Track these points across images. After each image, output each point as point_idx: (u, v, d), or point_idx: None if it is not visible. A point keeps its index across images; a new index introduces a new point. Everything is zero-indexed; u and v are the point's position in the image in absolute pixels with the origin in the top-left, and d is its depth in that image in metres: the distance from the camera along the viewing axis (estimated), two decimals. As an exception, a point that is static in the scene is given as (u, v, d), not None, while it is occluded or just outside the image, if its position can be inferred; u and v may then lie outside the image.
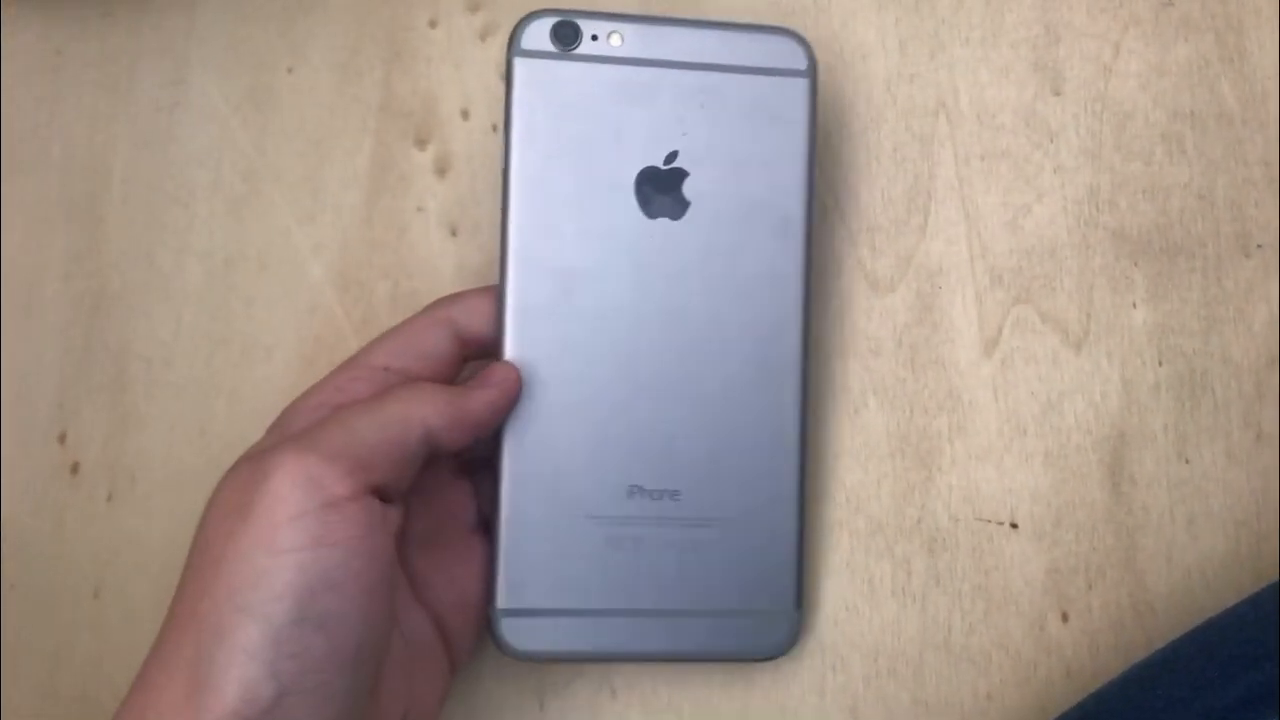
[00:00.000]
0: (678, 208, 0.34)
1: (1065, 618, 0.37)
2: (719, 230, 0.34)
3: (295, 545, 0.26)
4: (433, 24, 0.41)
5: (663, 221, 0.34)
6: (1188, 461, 0.38)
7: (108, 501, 0.38)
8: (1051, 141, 0.40)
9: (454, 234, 0.39)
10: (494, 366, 0.33)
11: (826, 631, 0.37)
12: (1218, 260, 0.39)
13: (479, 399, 0.31)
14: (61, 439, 0.38)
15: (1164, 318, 0.39)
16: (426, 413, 0.30)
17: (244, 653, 0.26)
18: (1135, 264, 0.39)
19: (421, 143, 0.40)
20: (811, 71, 0.34)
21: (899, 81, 0.40)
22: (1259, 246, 0.39)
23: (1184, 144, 0.40)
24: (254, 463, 0.28)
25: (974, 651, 0.37)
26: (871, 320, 0.39)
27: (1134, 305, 0.39)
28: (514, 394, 0.33)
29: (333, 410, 0.30)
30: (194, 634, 0.26)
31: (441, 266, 0.39)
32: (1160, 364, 0.38)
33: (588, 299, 0.33)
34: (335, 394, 0.32)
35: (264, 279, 0.39)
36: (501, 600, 0.33)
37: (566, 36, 0.34)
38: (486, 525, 0.34)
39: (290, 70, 0.41)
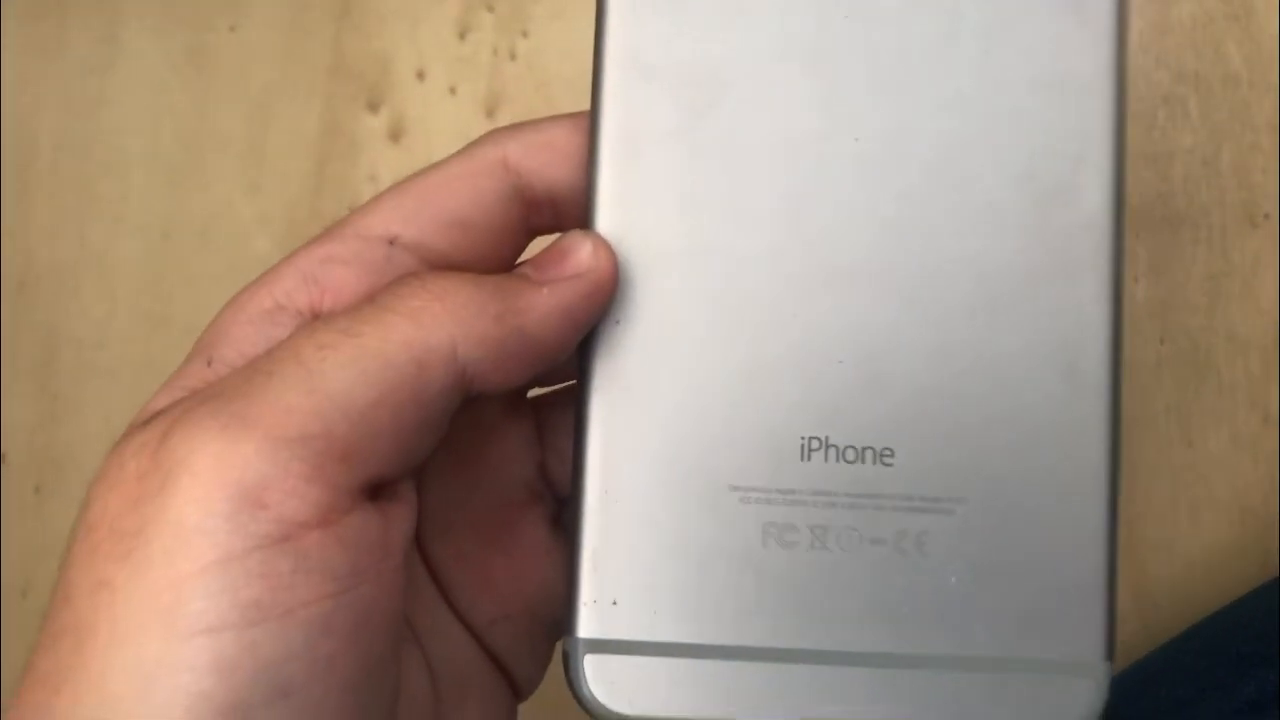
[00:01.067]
0: None
1: (1062, 612, 0.35)
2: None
3: (213, 624, 0.15)
4: (385, -22, 0.38)
5: None
6: (1191, 445, 0.36)
7: (35, 494, 0.35)
8: (1047, 105, 0.37)
9: (409, 205, 0.37)
10: (571, 241, 0.20)
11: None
12: (1223, 231, 0.37)
13: (544, 305, 0.19)
14: (-15, 427, 0.36)
15: (1166, 293, 0.36)
16: (455, 334, 0.17)
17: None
18: (1136, 236, 0.37)
19: (374, 106, 0.37)
20: None
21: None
22: (1266, 216, 0.37)
23: (1187, 107, 0.37)
24: (151, 443, 0.16)
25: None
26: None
27: (1135, 280, 0.37)
28: (606, 291, 0.19)
29: (293, 327, 0.19)
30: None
31: (395, 240, 0.37)
32: (1162, 342, 0.36)
33: (737, 120, 0.20)
34: (299, 289, 0.19)
35: (206, 253, 0.37)
36: (585, 628, 0.19)
37: None
38: (556, 496, 0.22)
39: (233, 28, 0.38)
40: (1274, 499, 0.36)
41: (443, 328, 0.17)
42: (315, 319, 0.19)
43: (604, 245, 0.19)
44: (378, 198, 0.20)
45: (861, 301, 0.20)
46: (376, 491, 0.17)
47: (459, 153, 0.21)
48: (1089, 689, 0.21)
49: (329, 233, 0.20)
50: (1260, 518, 0.36)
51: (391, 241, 0.19)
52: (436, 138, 0.37)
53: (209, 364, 0.19)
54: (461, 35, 0.38)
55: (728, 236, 0.20)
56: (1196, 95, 0.37)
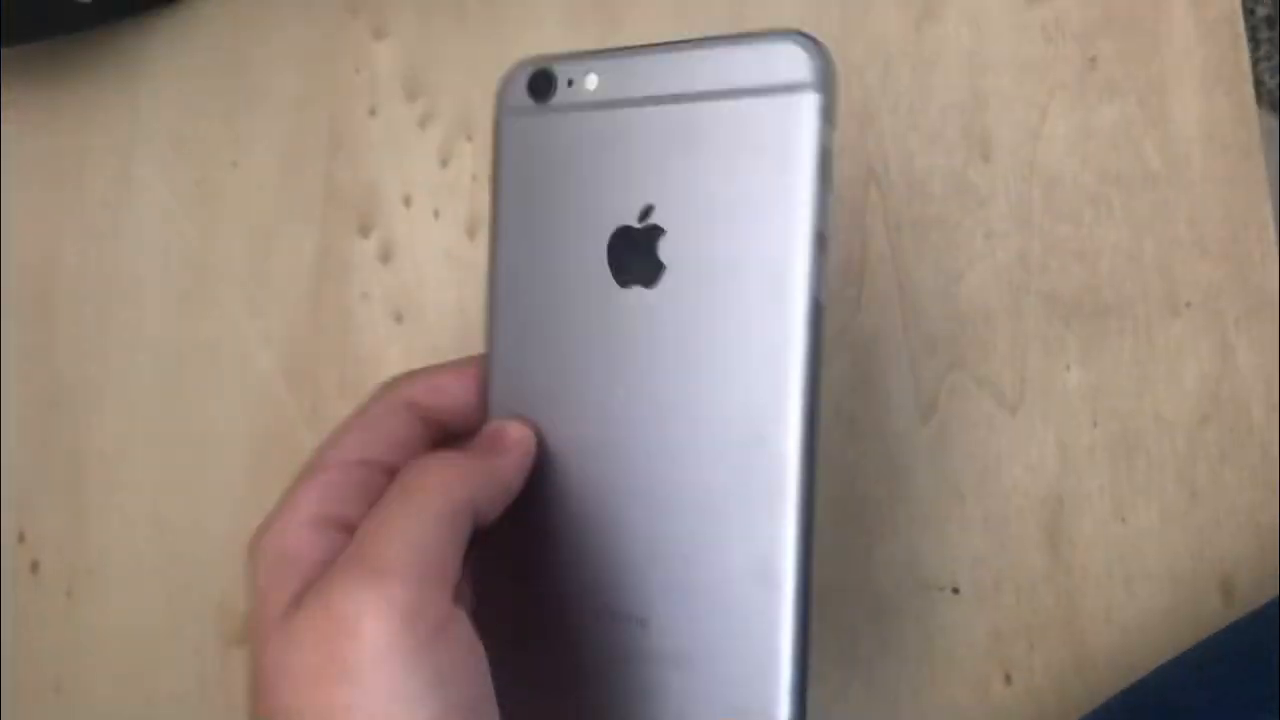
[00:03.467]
0: (651, 273, 0.27)
1: (1009, 679, 0.38)
2: (698, 297, 0.27)
3: (417, 692, 0.22)
4: (372, 113, 0.41)
5: (636, 290, 0.28)
6: (1124, 521, 0.39)
7: (67, 597, 0.39)
8: (982, 207, 0.40)
9: (399, 320, 0.40)
10: (505, 426, 0.28)
11: (774, 703, 0.38)
12: (1148, 320, 0.40)
13: (509, 464, 0.27)
14: (21, 538, 0.39)
15: (1097, 379, 0.39)
16: (472, 491, 0.26)
17: None
18: (1067, 326, 0.40)
19: (365, 230, 0.41)
20: (822, 83, 0.26)
21: (830, 154, 0.41)
22: (1188, 305, 0.40)
23: (1112, 206, 0.40)
24: (320, 612, 0.23)
25: (921, 717, 0.38)
26: (810, 391, 0.39)
27: (1067, 367, 0.39)
28: (532, 456, 0.28)
29: (339, 524, 0.26)
30: None
31: (387, 352, 0.40)
32: (1095, 425, 0.39)
33: (561, 381, 0.28)
34: (325, 504, 0.27)
35: (214, 372, 0.40)
36: None
37: (540, 88, 0.29)
38: None
39: (235, 164, 0.41)
40: (1202, 569, 0.38)
41: (462, 488, 0.26)
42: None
43: (527, 428, 0.29)
44: (337, 435, 0.29)
45: (633, 513, 0.28)
46: (458, 596, 0.25)
47: (377, 396, 0.30)
48: None
49: (315, 469, 0.28)
50: (1190, 587, 0.38)
51: (361, 462, 0.28)
52: (423, 257, 0.41)
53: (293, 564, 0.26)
54: (443, 163, 0.41)
55: (557, 459, 0.29)
56: (1120, 194, 0.40)
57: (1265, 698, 0.28)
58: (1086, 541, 0.39)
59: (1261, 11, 1.01)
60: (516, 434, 0.28)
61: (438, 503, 0.25)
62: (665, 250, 0.27)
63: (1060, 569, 0.38)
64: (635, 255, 0.28)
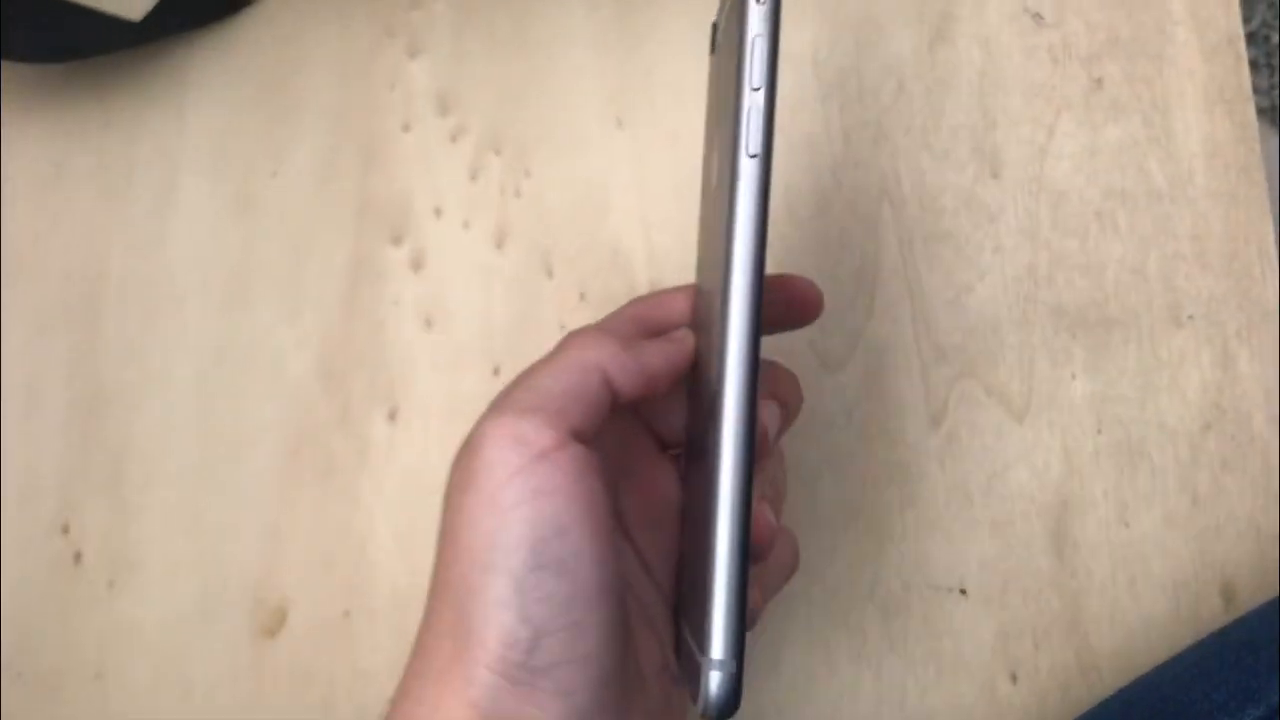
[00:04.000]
0: None
1: (1014, 679, 0.39)
2: None
3: (518, 500, 0.27)
4: (405, 128, 0.43)
5: None
6: (1128, 525, 0.40)
7: (109, 588, 0.40)
8: (991, 223, 0.42)
9: (428, 326, 0.42)
10: (678, 329, 0.33)
11: (786, 698, 0.39)
12: (1151, 331, 0.41)
13: (654, 349, 0.31)
14: (65, 531, 0.41)
15: (1102, 388, 0.41)
16: (602, 357, 0.30)
17: (496, 605, 0.27)
18: (1073, 337, 0.41)
19: (397, 240, 0.42)
20: None
21: (844, 169, 0.42)
22: (1190, 317, 0.41)
23: (1116, 221, 0.42)
24: (467, 443, 0.29)
25: (928, 714, 0.39)
26: (823, 397, 0.41)
27: (1073, 376, 0.41)
28: (690, 353, 0.32)
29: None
30: (450, 599, 0.28)
31: (417, 357, 0.41)
32: (1099, 432, 0.40)
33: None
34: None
35: (251, 373, 0.42)
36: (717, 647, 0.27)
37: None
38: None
39: (274, 174, 0.43)
40: (1204, 573, 0.39)
41: (595, 352, 0.30)
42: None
43: (684, 330, 0.32)
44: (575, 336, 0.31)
45: None
46: (580, 437, 0.29)
47: (615, 313, 0.33)
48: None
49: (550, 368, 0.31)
50: (1192, 590, 0.39)
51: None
52: (452, 267, 0.42)
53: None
54: (473, 176, 0.43)
55: None
56: (1124, 210, 0.42)
57: (1256, 690, 0.30)
58: (1091, 546, 0.40)
59: (1276, 38, 1.02)
60: (676, 333, 0.32)
61: (568, 359, 0.29)
62: None
63: (1065, 572, 0.40)
64: None
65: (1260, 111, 0.99)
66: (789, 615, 0.39)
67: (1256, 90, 1.01)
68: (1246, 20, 1.03)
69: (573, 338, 0.31)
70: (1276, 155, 0.98)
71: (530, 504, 0.27)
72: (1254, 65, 1.00)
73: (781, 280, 0.33)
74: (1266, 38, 1.02)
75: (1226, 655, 0.32)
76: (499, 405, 0.29)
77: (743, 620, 0.28)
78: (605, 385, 0.30)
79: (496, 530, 0.27)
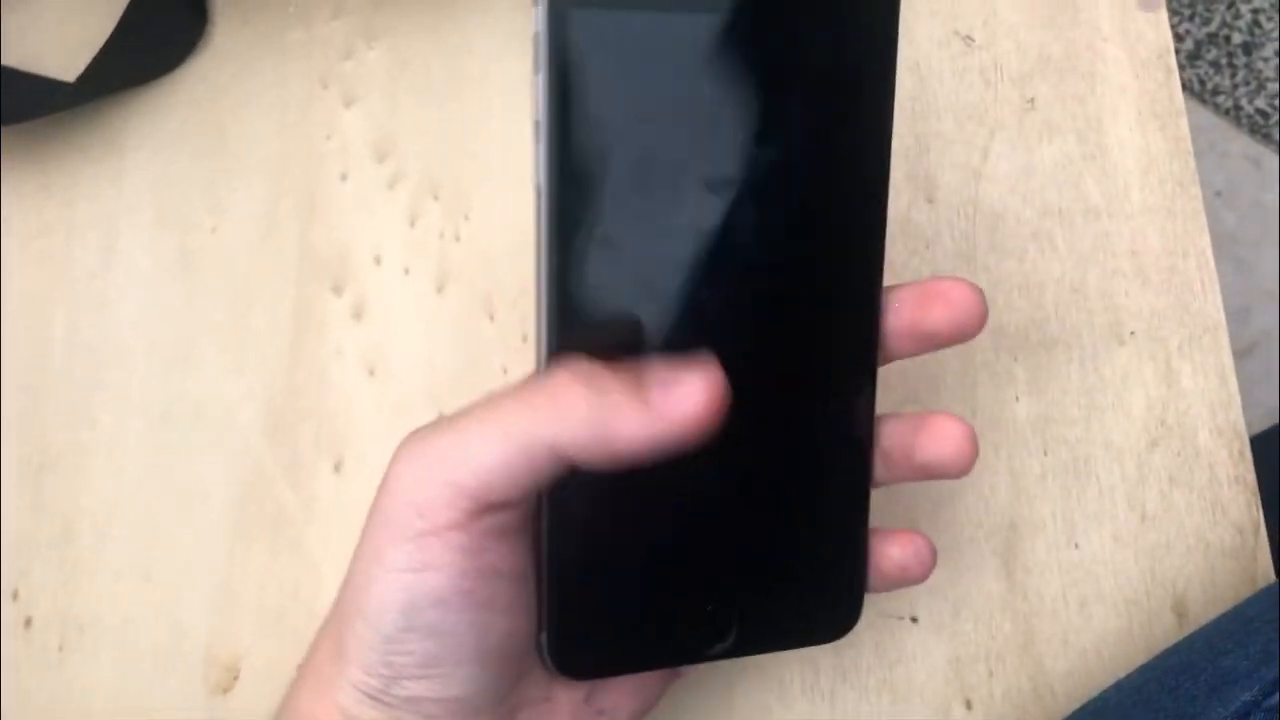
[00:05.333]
0: None
1: (969, 705, 0.39)
2: None
3: (400, 566, 0.26)
4: (343, 177, 0.43)
5: None
6: (1077, 546, 0.40)
7: (59, 652, 0.40)
8: (928, 248, 0.42)
9: (371, 374, 0.42)
10: (687, 382, 0.25)
11: (740, 734, 0.39)
12: (1094, 350, 0.41)
13: (633, 434, 0.25)
14: (15, 596, 0.41)
15: (1046, 408, 0.41)
16: (558, 432, 0.25)
17: (362, 642, 0.27)
18: (1015, 359, 0.41)
19: (338, 289, 0.43)
20: None
21: (781, 201, 0.42)
22: (1132, 334, 0.41)
23: (1054, 240, 0.42)
24: (386, 474, 0.27)
25: (883, 744, 0.39)
26: (768, 430, 0.41)
27: (1016, 398, 0.41)
28: (693, 438, 0.25)
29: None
30: (337, 610, 0.28)
31: (361, 406, 0.42)
32: (1045, 454, 0.40)
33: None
34: None
35: (198, 430, 0.42)
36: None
37: None
38: None
39: (214, 230, 0.43)
40: (1155, 590, 0.39)
41: (547, 425, 0.25)
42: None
43: (712, 396, 0.25)
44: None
45: None
46: (497, 508, 0.26)
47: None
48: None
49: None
50: (1144, 608, 0.39)
51: None
52: (394, 314, 0.42)
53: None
54: (412, 222, 0.43)
55: None
56: (1062, 229, 0.42)
57: (1193, 715, 0.29)
58: (1041, 568, 0.40)
59: (1238, 38, 1.02)
60: (687, 406, 0.25)
61: (515, 426, 0.25)
62: None
63: (1016, 595, 0.39)
64: None
65: (1224, 112, 1.00)
66: (741, 651, 0.39)
67: (1219, 91, 1.02)
68: (1206, 22, 1.03)
69: (534, 390, 0.25)
70: (1240, 155, 0.98)
71: (413, 573, 0.26)
72: (1215, 66, 1.01)
73: None
74: (1227, 38, 1.02)
75: (1166, 680, 0.32)
76: (419, 448, 0.26)
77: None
78: (553, 460, 0.25)
79: (374, 581, 0.26)
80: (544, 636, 0.29)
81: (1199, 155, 1.02)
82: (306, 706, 0.29)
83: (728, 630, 0.30)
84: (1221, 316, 0.41)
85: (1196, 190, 0.42)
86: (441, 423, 0.27)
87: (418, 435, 0.27)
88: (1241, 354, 1.01)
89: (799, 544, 0.31)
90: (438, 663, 0.27)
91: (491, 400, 0.26)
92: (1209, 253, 0.41)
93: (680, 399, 0.25)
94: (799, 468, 0.30)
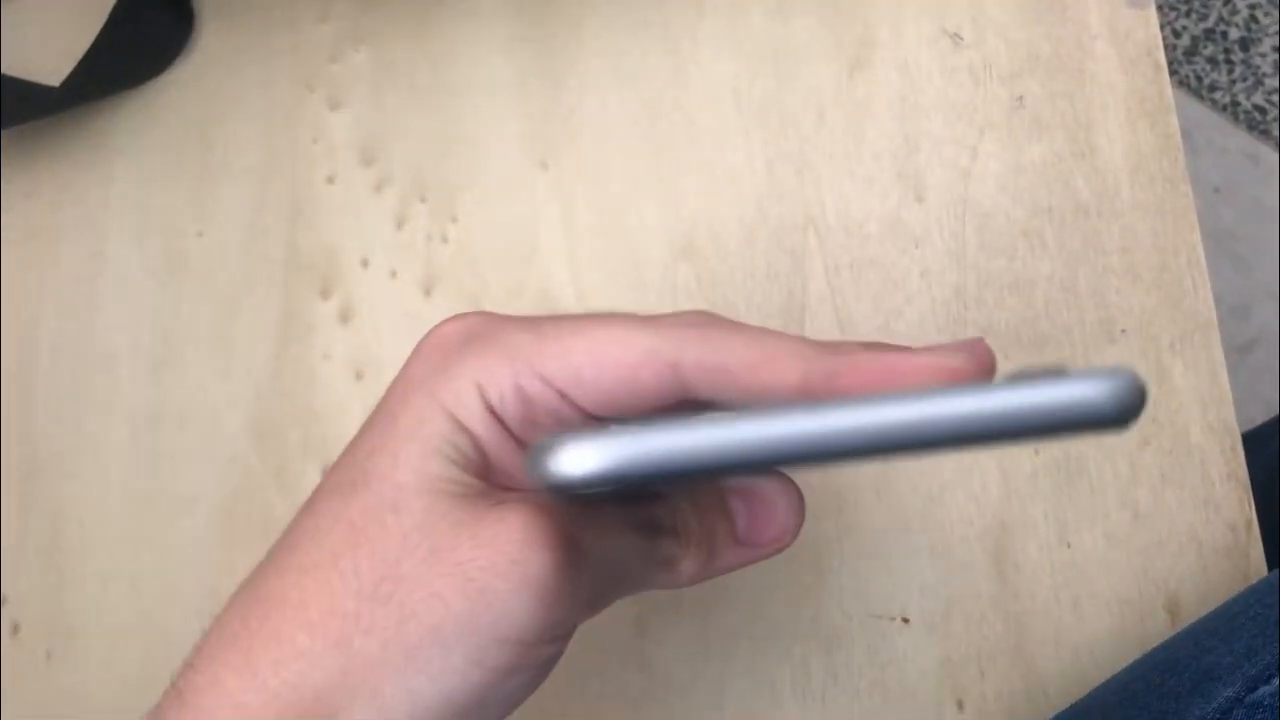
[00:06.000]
0: None
1: (961, 706, 0.38)
2: None
3: (503, 666, 0.22)
4: (330, 180, 0.43)
5: None
6: (1069, 545, 0.39)
7: (47, 659, 0.40)
8: (917, 247, 0.42)
9: (359, 377, 0.42)
10: (783, 512, 0.25)
11: (730, 737, 0.38)
12: (1084, 348, 0.41)
13: (729, 562, 0.25)
14: (2, 602, 0.40)
15: (1036, 407, 0.40)
16: (663, 583, 0.24)
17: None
18: (1006, 357, 0.41)
19: (325, 293, 0.42)
20: None
21: (768, 200, 0.42)
22: (1123, 331, 0.41)
23: (1044, 238, 0.42)
24: (496, 543, 0.22)
25: (875, 745, 0.38)
26: (757, 431, 0.41)
27: (1007, 397, 0.40)
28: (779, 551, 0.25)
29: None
30: (351, 671, 0.22)
31: (349, 410, 0.41)
32: (1036, 452, 0.40)
33: None
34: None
35: (185, 435, 0.42)
36: None
37: None
38: None
39: (200, 234, 0.43)
40: (1147, 589, 0.39)
41: (655, 579, 0.24)
42: None
43: (800, 514, 0.25)
44: (560, 339, 0.23)
45: None
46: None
47: (629, 327, 0.23)
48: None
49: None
50: (1136, 607, 0.39)
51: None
52: (381, 317, 0.42)
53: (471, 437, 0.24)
54: (399, 225, 0.43)
55: None
56: (1052, 227, 0.42)
57: (1175, 713, 0.29)
58: (1033, 567, 0.39)
59: (1235, 34, 1.02)
60: (783, 535, 0.25)
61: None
62: None
63: (1008, 595, 0.39)
64: None
65: (1221, 108, 0.99)
66: (731, 653, 0.39)
67: (1216, 87, 1.02)
68: (1203, 17, 1.03)
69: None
70: (1238, 151, 0.98)
71: (509, 674, 0.22)
72: (1212, 62, 1.01)
73: None
74: (1224, 34, 1.02)
75: (1152, 678, 0.32)
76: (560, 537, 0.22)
77: None
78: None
79: (457, 669, 0.21)
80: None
81: (1197, 152, 1.02)
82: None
83: None
84: (1213, 314, 0.41)
85: (1186, 187, 0.42)
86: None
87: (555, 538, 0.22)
88: (1242, 351, 1.01)
89: None
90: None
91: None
92: (1199, 250, 0.41)
93: (773, 524, 0.25)
94: None
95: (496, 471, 0.23)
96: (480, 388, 0.23)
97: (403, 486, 0.22)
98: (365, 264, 0.43)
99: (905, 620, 0.39)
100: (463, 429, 0.23)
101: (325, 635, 0.21)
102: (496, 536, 0.21)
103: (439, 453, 0.22)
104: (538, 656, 0.22)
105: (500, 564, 0.21)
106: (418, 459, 0.22)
